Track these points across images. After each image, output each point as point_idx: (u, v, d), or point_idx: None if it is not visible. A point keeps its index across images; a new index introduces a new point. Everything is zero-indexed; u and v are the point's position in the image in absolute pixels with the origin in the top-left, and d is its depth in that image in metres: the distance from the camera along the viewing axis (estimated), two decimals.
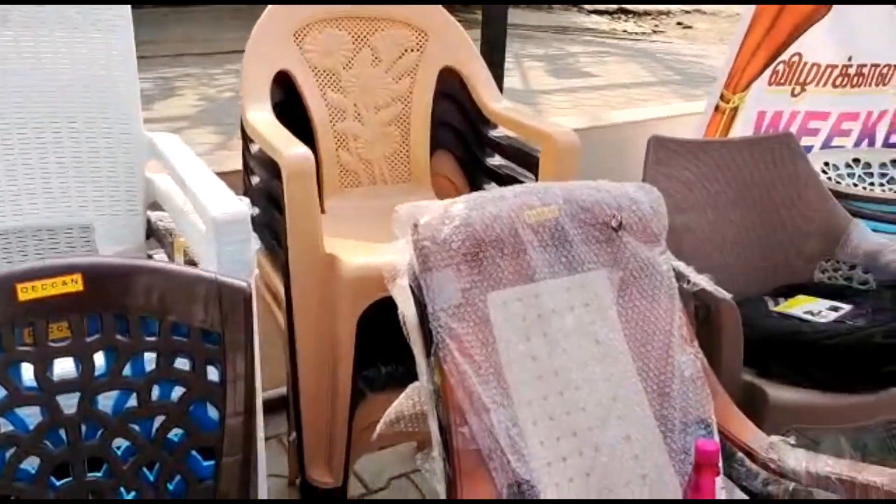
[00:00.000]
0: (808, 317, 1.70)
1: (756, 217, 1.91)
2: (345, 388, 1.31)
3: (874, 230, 1.92)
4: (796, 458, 1.13)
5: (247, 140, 1.51)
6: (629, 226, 1.24)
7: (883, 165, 2.26)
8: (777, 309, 1.76)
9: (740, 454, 1.21)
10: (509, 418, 1.08)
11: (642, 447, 1.18)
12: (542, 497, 1.06)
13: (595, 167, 2.00)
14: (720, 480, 1.00)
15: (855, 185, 2.24)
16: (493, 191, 1.17)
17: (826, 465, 1.09)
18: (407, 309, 1.10)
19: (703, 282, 1.53)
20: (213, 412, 0.90)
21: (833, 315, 1.70)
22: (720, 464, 1.19)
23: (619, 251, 1.24)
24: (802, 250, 1.92)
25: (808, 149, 2.41)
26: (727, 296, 1.50)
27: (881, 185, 2.25)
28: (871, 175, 2.27)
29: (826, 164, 2.26)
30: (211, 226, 1.09)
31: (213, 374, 0.90)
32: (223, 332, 0.88)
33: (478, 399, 1.05)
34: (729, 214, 1.89)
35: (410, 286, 1.09)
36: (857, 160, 2.28)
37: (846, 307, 1.73)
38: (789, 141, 1.95)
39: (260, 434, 1.14)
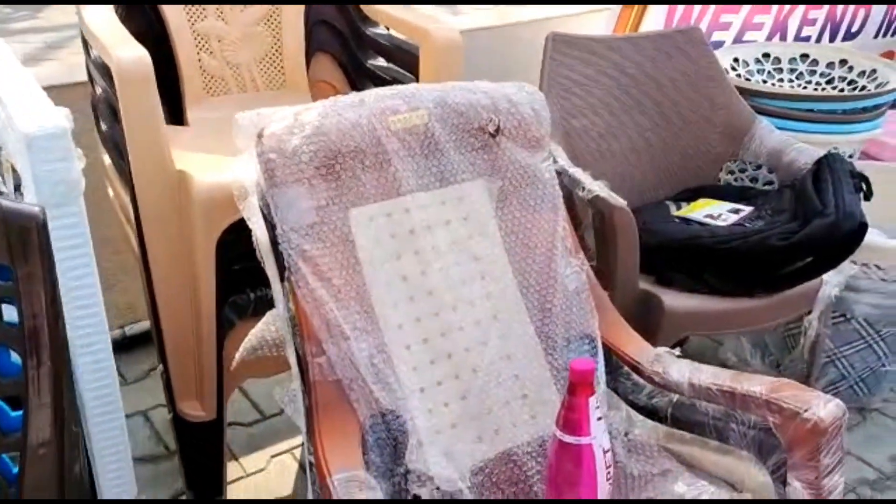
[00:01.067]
0: (709, 221, 1.65)
1: (660, 118, 1.83)
2: (209, 316, 1.20)
3: (781, 128, 1.87)
4: (679, 371, 1.09)
5: (87, 45, 1.34)
6: (508, 130, 1.14)
7: (792, 60, 2.19)
8: (679, 213, 1.71)
9: (627, 368, 1.16)
10: (374, 345, 1.00)
11: (523, 366, 1.12)
12: (411, 423, 0.99)
13: (499, 69, 1.88)
14: (596, 399, 0.94)
15: (764, 81, 2.17)
16: (351, 95, 1.04)
17: (707, 376, 1.05)
18: (258, 230, 0.99)
19: (598, 188, 1.46)
20: (15, 357, 0.79)
21: (733, 218, 1.65)
22: (602, 380, 1.14)
23: (498, 159, 1.14)
24: (708, 151, 1.86)
25: (720, 44, 2.32)
26: (622, 202, 1.43)
27: (790, 80, 2.19)
28: (781, 71, 2.19)
29: (735, 59, 2.18)
30: (23, 143, 0.95)
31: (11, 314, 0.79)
32: (14, 266, 0.75)
33: (336, 327, 0.96)
34: (632, 115, 1.80)
35: (259, 205, 0.98)
36: (766, 55, 2.20)
37: (747, 209, 1.68)
38: (695, 35, 1.85)
39: (94, 376, 1.04)
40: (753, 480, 1.02)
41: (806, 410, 0.93)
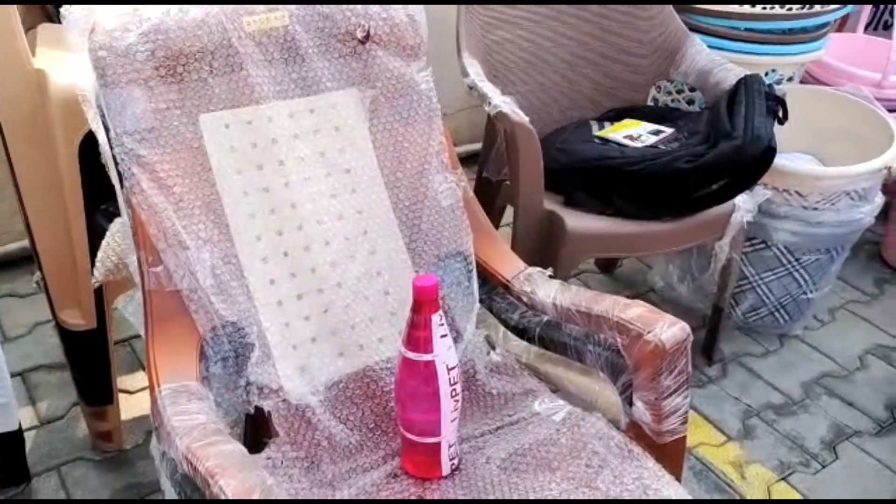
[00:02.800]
0: (627, 142, 1.60)
1: (589, 33, 1.76)
2: (78, 224, 1.17)
3: (719, 48, 1.80)
4: (546, 291, 1.06)
5: None
6: (379, 37, 1.08)
7: None
8: (599, 133, 1.66)
9: (501, 288, 1.14)
10: (219, 256, 0.97)
11: (392, 282, 1.10)
12: (259, 336, 0.98)
13: None
14: (440, 317, 0.92)
15: None
16: None
17: (569, 297, 1.03)
18: (99, 134, 0.95)
19: (502, 103, 1.41)
20: None
21: (652, 140, 1.61)
22: (475, 298, 1.12)
23: (368, 67, 1.09)
24: (639, 69, 1.79)
25: None
26: (523, 119, 1.38)
27: None
28: None
29: None
30: None
31: None
32: None
33: (174, 236, 0.93)
34: (559, 30, 1.73)
35: (98, 107, 0.94)
36: None
37: (668, 131, 1.64)
38: None
39: None
40: (606, 400, 1.02)
41: (649, 332, 0.91)
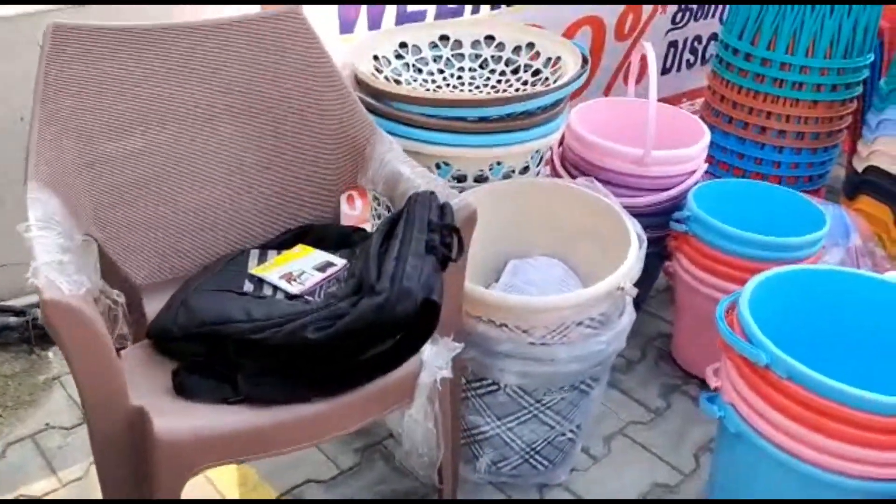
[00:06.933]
0: (283, 284, 1.21)
1: (256, 133, 1.36)
2: None
3: (419, 141, 1.44)
4: None
5: None
6: None
7: (475, 44, 1.75)
8: (256, 270, 1.26)
9: None
10: None
11: None
12: None
13: None
14: None
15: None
16: None
17: None
18: None
19: (43, 268, 0.98)
20: None
21: (316, 278, 1.22)
22: None
23: None
24: (325, 176, 1.41)
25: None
26: (63, 295, 0.95)
27: (472, 70, 1.74)
28: (462, 58, 1.76)
29: (403, 47, 1.73)
30: None
31: None
32: None
33: None
34: (213, 130, 1.33)
35: None
36: (445, 37, 1.75)
37: (339, 264, 1.25)
38: (297, 19, 1.38)
39: None
40: None
41: None
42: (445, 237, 1.08)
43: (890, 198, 2.03)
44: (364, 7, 1.79)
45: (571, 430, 1.48)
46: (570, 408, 1.44)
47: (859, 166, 2.10)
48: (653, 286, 2.02)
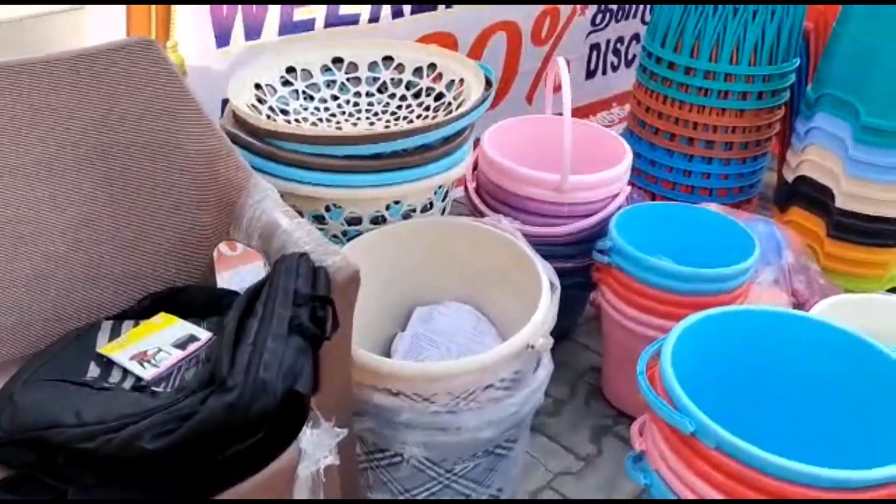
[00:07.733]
0: (135, 367, 1.03)
1: (107, 180, 1.18)
2: None
3: (303, 182, 1.28)
4: None
5: None
6: None
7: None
8: (104, 349, 1.07)
9: None
10: None
11: None
12: None
13: None
14: None
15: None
16: None
17: None
18: None
19: None
20: None
21: (174, 358, 1.04)
22: None
23: None
24: (194, 230, 1.23)
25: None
26: None
27: (370, 94, 1.58)
28: (359, 82, 1.59)
29: (291, 74, 1.56)
30: None
31: None
32: None
33: None
34: (62, 179, 1.14)
35: None
36: (339, 59, 1.59)
37: (204, 337, 1.08)
38: (150, 49, 1.19)
39: None
40: None
41: None
42: (317, 310, 0.92)
43: (821, 209, 1.93)
44: (239, 16, 1.57)
45: (492, 495, 1.34)
46: (487, 473, 1.29)
47: (789, 176, 2.00)
48: (582, 314, 1.89)
